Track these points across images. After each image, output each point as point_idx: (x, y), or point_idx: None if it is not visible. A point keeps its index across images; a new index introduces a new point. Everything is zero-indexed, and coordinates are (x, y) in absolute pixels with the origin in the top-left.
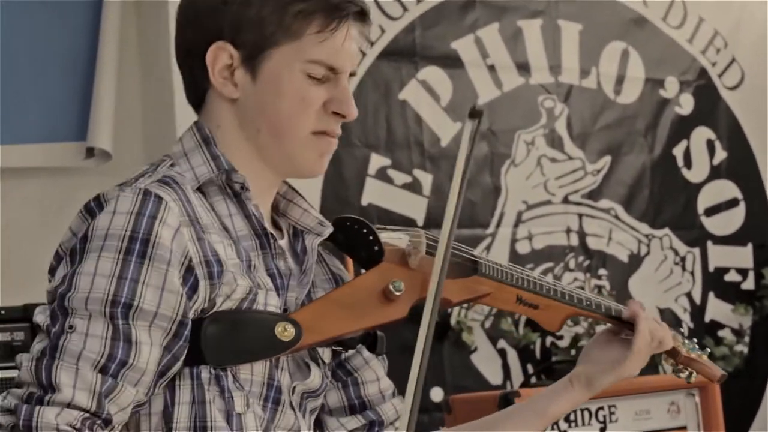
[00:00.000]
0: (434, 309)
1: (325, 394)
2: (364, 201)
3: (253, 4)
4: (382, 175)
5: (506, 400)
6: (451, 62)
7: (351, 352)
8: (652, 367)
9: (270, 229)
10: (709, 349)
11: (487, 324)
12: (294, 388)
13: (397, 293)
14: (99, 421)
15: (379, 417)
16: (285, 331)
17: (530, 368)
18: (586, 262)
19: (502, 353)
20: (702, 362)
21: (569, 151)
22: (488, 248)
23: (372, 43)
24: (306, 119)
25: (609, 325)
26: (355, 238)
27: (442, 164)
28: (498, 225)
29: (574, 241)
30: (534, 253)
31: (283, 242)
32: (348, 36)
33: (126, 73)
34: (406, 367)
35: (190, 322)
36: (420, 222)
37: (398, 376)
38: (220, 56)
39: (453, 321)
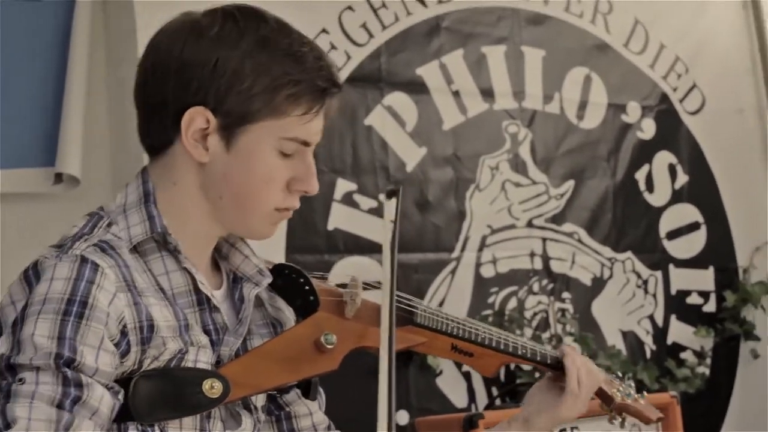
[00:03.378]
0: (391, 366)
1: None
2: (330, 226)
3: (245, 79)
4: (348, 200)
5: (471, 423)
6: (417, 88)
7: None
8: None
9: (207, 288)
10: (645, 393)
11: None
12: None
13: (328, 346)
14: None
15: None
16: (212, 388)
17: (495, 391)
18: (550, 286)
19: (467, 376)
20: (636, 407)
21: (533, 175)
22: (453, 272)
23: (338, 69)
24: (269, 197)
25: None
26: (292, 286)
27: (408, 189)
28: (463, 249)
29: (538, 264)
30: (498, 277)
31: (220, 292)
32: (324, 115)
33: (94, 100)
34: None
35: (120, 387)
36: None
37: (364, 399)
38: (197, 120)
39: None
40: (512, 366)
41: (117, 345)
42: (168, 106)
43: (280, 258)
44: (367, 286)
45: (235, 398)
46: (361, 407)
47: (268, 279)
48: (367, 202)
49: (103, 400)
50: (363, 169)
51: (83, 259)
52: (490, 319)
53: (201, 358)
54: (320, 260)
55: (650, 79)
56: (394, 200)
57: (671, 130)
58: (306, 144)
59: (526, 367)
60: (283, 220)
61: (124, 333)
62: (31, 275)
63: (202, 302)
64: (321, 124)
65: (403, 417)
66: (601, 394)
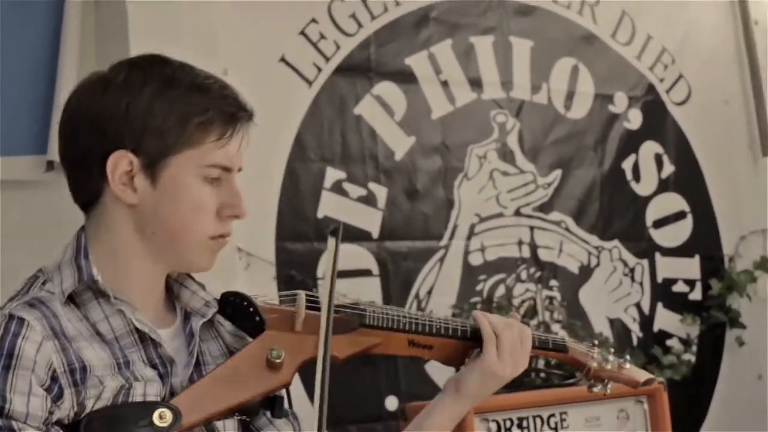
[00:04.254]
0: (324, 373)
1: None
2: (320, 214)
3: (156, 115)
4: (337, 188)
5: None
6: (405, 78)
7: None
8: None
9: (145, 324)
10: (629, 357)
11: None
12: None
13: (277, 361)
14: None
15: None
16: (162, 418)
17: None
18: (538, 274)
19: None
20: (615, 373)
21: (521, 164)
22: (442, 260)
23: (328, 59)
24: (202, 225)
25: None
26: (239, 311)
27: (397, 178)
28: (451, 237)
29: (526, 252)
30: (486, 265)
31: (172, 329)
32: (240, 139)
33: None
34: (364, 377)
35: (57, 427)
36: (375, 234)
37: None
38: (121, 163)
39: None
40: None
41: (49, 389)
42: (90, 158)
43: (269, 247)
44: (311, 297)
45: (190, 425)
46: (347, 392)
47: (213, 309)
48: (356, 191)
49: None
50: (352, 158)
51: (10, 316)
52: (479, 306)
53: (149, 391)
54: (310, 248)
55: (637, 70)
56: (334, 239)
57: (658, 121)
58: (227, 170)
59: None
60: (222, 248)
61: (54, 378)
62: None
63: (145, 339)
64: (239, 149)
65: (392, 402)
66: (575, 362)
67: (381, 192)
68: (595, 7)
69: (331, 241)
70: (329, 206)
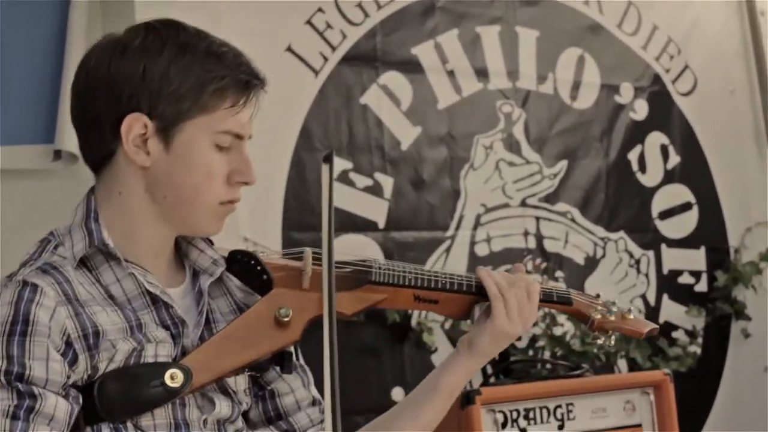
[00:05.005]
0: (332, 329)
1: (247, 411)
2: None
3: (172, 80)
4: (343, 178)
5: (468, 399)
6: (412, 67)
7: None
8: (607, 367)
9: (156, 286)
10: (634, 308)
11: (447, 325)
12: (205, 420)
13: (285, 319)
14: None
15: (291, 427)
16: (173, 379)
17: (489, 368)
18: (544, 264)
19: None
20: (619, 324)
21: (527, 155)
22: (448, 251)
23: (334, 48)
24: (212, 190)
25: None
26: (246, 269)
27: (403, 167)
28: (457, 228)
29: (532, 243)
30: (492, 255)
31: (180, 288)
32: (252, 107)
33: None
34: (369, 366)
35: (76, 391)
36: (381, 224)
37: (359, 376)
38: (135, 126)
39: (414, 322)
40: None
41: (64, 354)
42: (104, 119)
43: (276, 236)
44: (317, 253)
45: (202, 384)
46: (353, 383)
47: (221, 268)
48: (362, 181)
49: (57, 407)
50: (358, 148)
51: (24, 283)
52: None
53: (161, 352)
54: (316, 238)
55: (643, 60)
56: (327, 166)
57: (663, 111)
58: (239, 137)
59: (520, 344)
60: (230, 213)
61: (68, 343)
62: None
63: (157, 301)
64: (250, 117)
65: (398, 394)
66: (578, 315)
67: (387, 182)
68: None
69: (324, 169)
70: (336, 196)
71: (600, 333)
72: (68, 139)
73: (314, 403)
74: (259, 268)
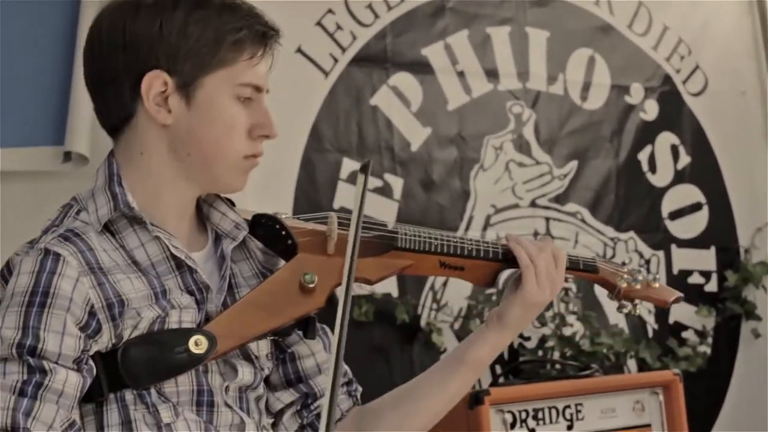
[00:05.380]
0: (348, 292)
1: (269, 375)
2: (336, 205)
3: (191, 35)
4: (353, 179)
5: (477, 399)
6: (422, 68)
7: None
8: (617, 367)
9: (181, 251)
10: (659, 276)
11: (456, 325)
12: (227, 387)
13: (310, 285)
14: None
15: (311, 389)
16: (197, 345)
17: (498, 369)
18: None
19: None
20: (644, 292)
21: (537, 156)
22: None
23: (344, 49)
24: (235, 145)
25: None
26: (271, 233)
27: (413, 169)
28: (467, 228)
29: None
30: None
31: (203, 252)
32: (269, 58)
33: None
34: (378, 366)
35: (91, 362)
36: (391, 225)
37: (368, 376)
38: (155, 84)
39: (423, 323)
40: (516, 343)
41: (86, 326)
42: (122, 79)
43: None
44: (343, 220)
45: (226, 351)
46: (362, 384)
47: (244, 231)
48: (372, 182)
49: (67, 382)
50: (368, 149)
51: (46, 251)
52: (494, 297)
53: (185, 318)
54: None
55: (653, 61)
56: (363, 175)
57: (674, 112)
58: (258, 89)
59: (530, 344)
60: (253, 168)
61: (92, 313)
62: (5, 273)
63: (181, 266)
64: (267, 69)
65: None
66: (604, 283)
67: (397, 183)
68: None
69: (360, 178)
70: (345, 197)
71: (626, 301)
72: (78, 140)
73: None
74: (284, 232)
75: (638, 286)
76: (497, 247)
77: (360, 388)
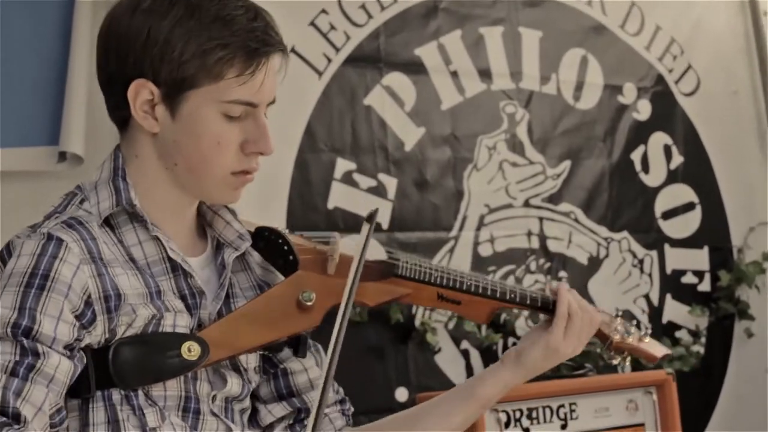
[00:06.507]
0: (345, 315)
1: (258, 388)
2: (330, 205)
3: (176, 45)
4: (347, 179)
5: None
6: (415, 68)
7: None
8: (610, 366)
9: (178, 254)
10: (649, 331)
11: (451, 325)
12: (214, 396)
13: (308, 303)
14: (5, 419)
15: (304, 404)
16: (190, 351)
17: None
18: (547, 265)
19: (465, 354)
20: (636, 345)
21: (530, 155)
22: (451, 251)
23: (338, 49)
24: (223, 161)
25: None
26: (272, 247)
27: (406, 168)
28: (461, 228)
29: (535, 243)
30: (496, 256)
31: (201, 258)
32: (267, 73)
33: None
34: (372, 366)
35: (82, 352)
36: (385, 225)
37: (362, 376)
38: (141, 92)
39: (417, 322)
40: (510, 343)
41: (81, 315)
42: (115, 82)
43: None
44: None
45: (217, 360)
46: (356, 383)
47: (248, 243)
48: (366, 181)
49: (59, 368)
50: (362, 149)
51: (49, 236)
52: None
53: (179, 322)
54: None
55: (646, 61)
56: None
57: (667, 111)
58: (252, 105)
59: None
60: (244, 186)
61: (88, 303)
62: (4, 254)
63: (176, 269)
64: (267, 84)
65: (402, 394)
66: (598, 333)
67: (391, 183)
68: None
69: (365, 227)
70: (339, 197)
71: (616, 354)
72: (73, 140)
73: None
74: (286, 247)
75: (630, 339)
76: (495, 285)
77: (352, 408)
